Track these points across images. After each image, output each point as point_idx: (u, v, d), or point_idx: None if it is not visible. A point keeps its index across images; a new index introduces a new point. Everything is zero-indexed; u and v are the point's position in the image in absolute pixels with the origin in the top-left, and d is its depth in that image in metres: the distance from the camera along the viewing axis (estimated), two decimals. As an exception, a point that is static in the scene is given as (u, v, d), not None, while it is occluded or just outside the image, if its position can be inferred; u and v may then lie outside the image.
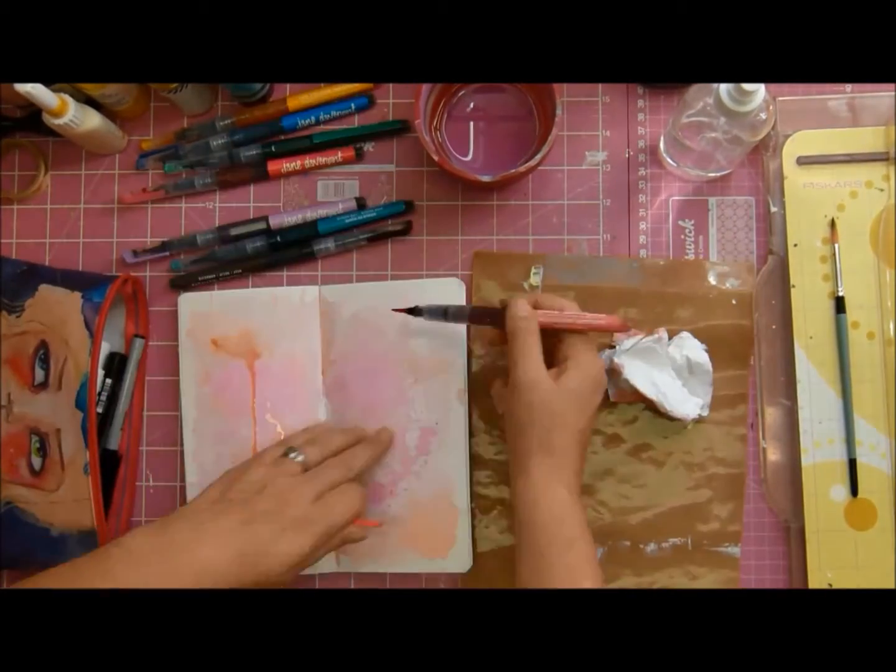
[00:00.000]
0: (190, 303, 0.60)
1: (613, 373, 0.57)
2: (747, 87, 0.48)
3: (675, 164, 0.59)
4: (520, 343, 0.51)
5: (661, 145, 0.60)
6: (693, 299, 0.60)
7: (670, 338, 0.58)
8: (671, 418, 0.57)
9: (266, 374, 0.60)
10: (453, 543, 0.58)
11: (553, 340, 0.53)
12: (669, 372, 0.57)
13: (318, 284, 0.61)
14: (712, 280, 0.60)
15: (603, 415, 0.59)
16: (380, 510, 0.59)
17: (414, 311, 0.56)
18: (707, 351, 0.58)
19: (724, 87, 0.49)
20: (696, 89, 0.52)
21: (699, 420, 0.59)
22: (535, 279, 0.60)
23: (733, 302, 0.59)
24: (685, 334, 0.58)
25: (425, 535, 0.58)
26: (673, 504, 0.59)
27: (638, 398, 0.58)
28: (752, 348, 0.59)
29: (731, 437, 0.59)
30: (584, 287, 0.60)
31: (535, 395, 0.50)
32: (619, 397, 0.59)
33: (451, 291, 0.59)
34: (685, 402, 0.57)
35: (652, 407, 0.58)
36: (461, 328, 0.59)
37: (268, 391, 0.60)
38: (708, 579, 0.58)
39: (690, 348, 0.58)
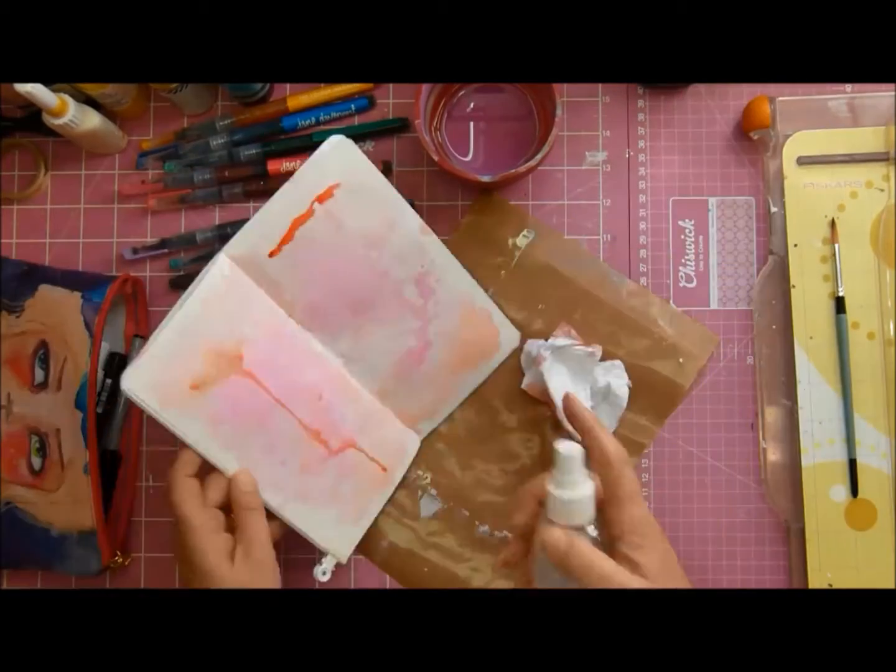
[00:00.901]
0: (141, 385, 0.49)
1: (535, 362, 0.58)
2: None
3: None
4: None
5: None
6: (648, 337, 0.60)
7: (603, 359, 0.58)
8: (563, 434, 0.56)
9: (259, 362, 0.53)
10: (498, 335, 0.59)
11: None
12: (585, 389, 0.57)
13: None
14: (671, 330, 0.60)
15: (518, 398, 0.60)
16: (424, 368, 0.58)
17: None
18: (630, 388, 0.58)
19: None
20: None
21: None
22: (522, 241, 0.60)
23: (680, 360, 0.59)
24: (618, 363, 0.58)
25: (472, 351, 0.59)
26: None
27: (544, 399, 0.58)
28: (673, 409, 0.60)
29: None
30: (558, 272, 0.60)
31: None
32: (530, 389, 0.59)
33: (341, 156, 0.52)
34: None
35: (553, 416, 0.58)
36: (387, 189, 0.54)
37: (271, 374, 0.54)
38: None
39: (616, 377, 0.58)
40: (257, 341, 0.53)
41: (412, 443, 0.60)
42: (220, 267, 0.52)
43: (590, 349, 0.57)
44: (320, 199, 0.52)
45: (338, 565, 0.56)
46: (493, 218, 0.61)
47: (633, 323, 0.60)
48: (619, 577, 0.40)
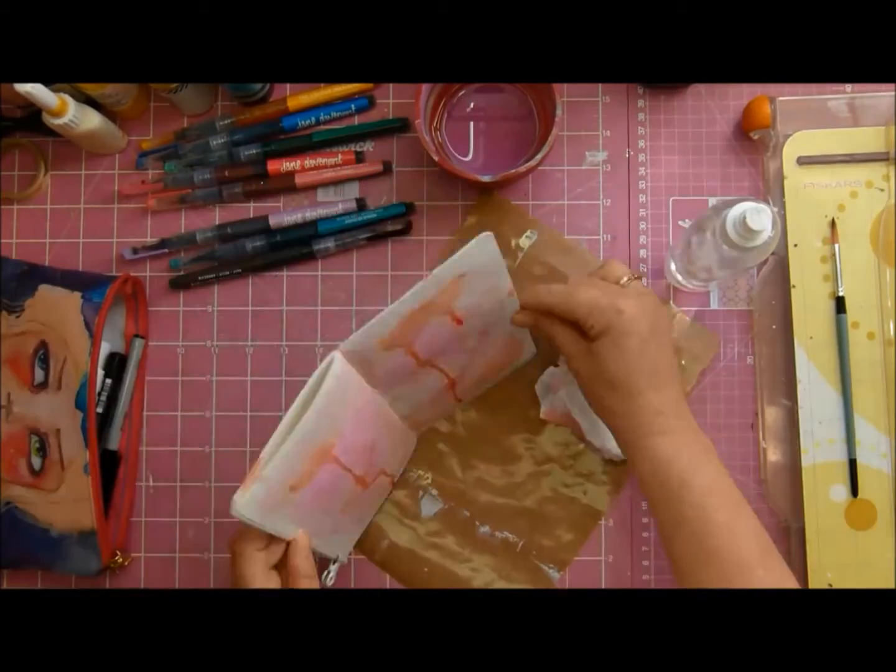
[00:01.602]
0: (250, 506, 0.46)
1: (551, 388, 0.58)
2: (754, 225, 0.46)
3: (682, 282, 0.59)
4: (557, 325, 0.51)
5: (670, 265, 0.59)
6: None
7: None
8: (592, 449, 0.58)
9: (347, 448, 0.51)
10: (520, 355, 0.59)
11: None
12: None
13: (318, 286, 0.60)
14: (674, 333, 0.60)
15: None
16: (454, 391, 0.58)
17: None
18: None
19: (730, 222, 0.47)
20: (707, 216, 0.51)
21: (614, 461, 0.59)
22: (525, 242, 0.60)
23: (682, 363, 0.59)
24: None
25: (500, 364, 0.59)
26: (527, 504, 0.59)
27: (566, 422, 0.58)
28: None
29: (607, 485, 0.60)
30: (560, 273, 0.60)
31: (579, 371, 0.50)
32: (549, 416, 0.59)
33: (486, 249, 0.50)
34: (612, 439, 0.54)
35: (578, 434, 0.59)
36: (501, 268, 0.52)
37: (354, 461, 0.52)
38: (518, 586, 0.59)
39: None
40: (350, 434, 0.51)
41: (412, 443, 0.60)
42: (336, 369, 0.49)
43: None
44: (444, 290, 0.49)
45: (339, 564, 0.56)
46: (496, 218, 0.61)
47: None
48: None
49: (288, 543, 0.50)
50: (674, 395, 0.49)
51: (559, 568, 0.59)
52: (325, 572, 0.55)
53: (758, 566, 0.45)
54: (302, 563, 0.50)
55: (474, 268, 0.50)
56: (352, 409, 0.51)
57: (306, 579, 0.50)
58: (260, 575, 0.49)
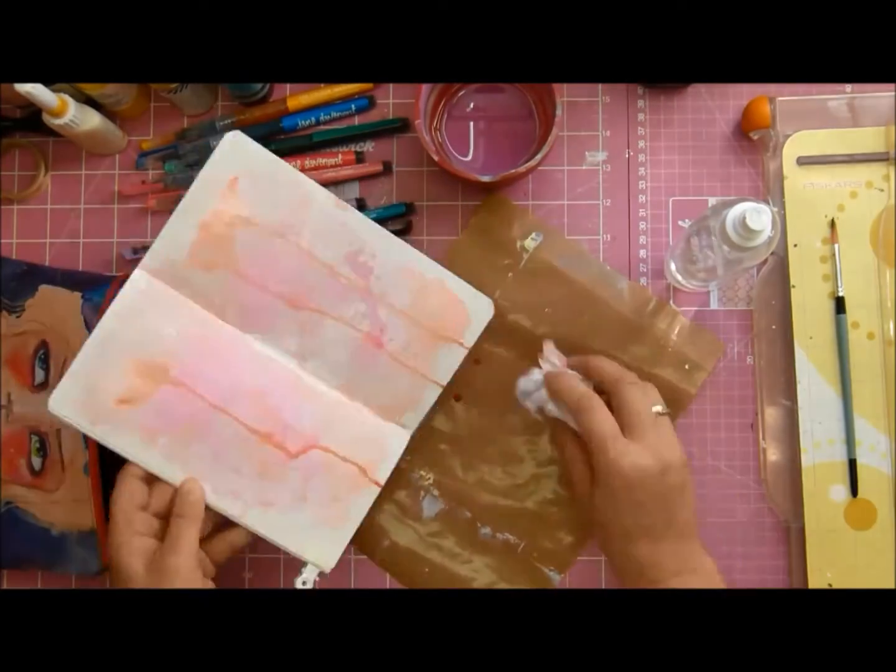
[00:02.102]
0: (64, 402, 0.51)
1: (533, 400, 0.56)
2: (754, 225, 0.46)
3: (682, 282, 0.59)
4: (587, 417, 0.50)
5: (670, 265, 0.59)
6: (653, 342, 0.59)
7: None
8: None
9: (190, 372, 0.53)
10: (464, 306, 0.56)
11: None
12: None
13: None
14: (678, 337, 0.60)
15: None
16: (387, 352, 0.55)
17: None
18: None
19: (730, 224, 0.47)
20: (707, 216, 0.51)
21: None
22: (530, 244, 0.60)
23: (686, 367, 0.59)
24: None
25: (439, 325, 0.56)
26: (528, 506, 0.59)
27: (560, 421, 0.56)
28: (681, 414, 0.59)
29: None
30: (565, 275, 0.60)
31: (585, 513, 0.51)
32: (541, 415, 0.57)
33: (245, 148, 0.53)
34: None
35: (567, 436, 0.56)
36: (290, 173, 0.53)
37: (207, 382, 0.53)
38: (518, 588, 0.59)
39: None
40: (187, 350, 0.53)
41: (397, 438, 0.57)
42: (135, 282, 0.52)
43: (571, 372, 0.55)
44: (224, 197, 0.52)
45: (321, 575, 0.54)
46: (501, 219, 0.61)
47: (638, 328, 0.59)
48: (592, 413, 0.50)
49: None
50: (672, 544, 0.49)
51: (560, 570, 0.59)
52: (298, 576, 0.53)
53: None
54: (178, 504, 0.50)
55: (246, 168, 0.52)
56: (180, 329, 0.53)
57: (177, 518, 0.49)
58: (124, 501, 0.50)
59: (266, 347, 0.55)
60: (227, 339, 0.54)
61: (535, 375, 0.56)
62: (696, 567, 0.49)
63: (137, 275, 0.52)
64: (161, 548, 0.49)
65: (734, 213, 0.47)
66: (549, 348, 0.56)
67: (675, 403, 0.59)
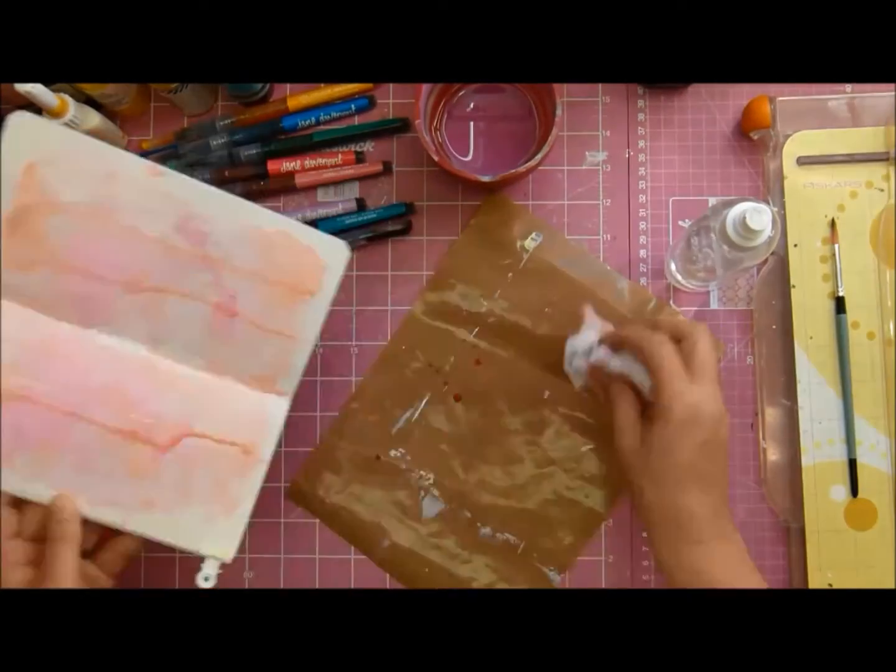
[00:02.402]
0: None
1: (595, 366, 0.54)
2: (754, 225, 0.46)
3: (682, 282, 0.59)
4: (614, 409, 0.51)
5: (670, 265, 0.59)
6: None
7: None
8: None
9: (32, 380, 0.50)
10: (322, 267, 0.53)
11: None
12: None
13: None
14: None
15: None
16: (244, 320, 0.52)
17: None
18: None
19: (730, 224, 0.47)
20: (707, 216, 0.51)
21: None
22: (530, 244, 0.60)
23: None
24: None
25: (296, 279, 0.52)
26: (528, 506, 0.59)
27: (606, 391, 0.54)
28: None
29: (611, 480, 0.59)
30: (565, 275, 0.60)
31: (627, 461, 0.49)
32: (594, 375, 0.55)
33: (40, 134, 0.50)
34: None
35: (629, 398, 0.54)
36: (90, 144, 0.51)
37: (51, 387, 0.50)
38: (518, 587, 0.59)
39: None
40: (24, 360, 0.50)
41: (276, 407, 0.53)
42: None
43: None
44: (24, 187, 0.49)
45: (224, 566, 0.52)
46: (501, 219, 0.61)
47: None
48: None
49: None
50: (717, 500, 0.49)
51: (560, 570, 0.59)
52: (198, 572, 0.51)
53: None
54: (51, 527, 0.47)
55: (43, 149, 0.49)
56: (7, 337, 0.49)
57: (53, 542, 0.46)
58: None
59: (112, 339, 0.51)
60: (67, 339, 0.51)
61: (585, 335, 0.55)
62: (732, 537, 0.49)
63: None
64: (37, 577, 0.46)
65: (734, 213, 0.47)
66: (590, 312, 0.56)
67: None
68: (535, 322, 0.60)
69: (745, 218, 0.46)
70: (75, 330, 0.51)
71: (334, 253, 0.53)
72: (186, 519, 0.51)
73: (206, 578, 0.51)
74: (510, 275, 0.60)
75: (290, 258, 0.52)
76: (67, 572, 0.46)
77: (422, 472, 0.60)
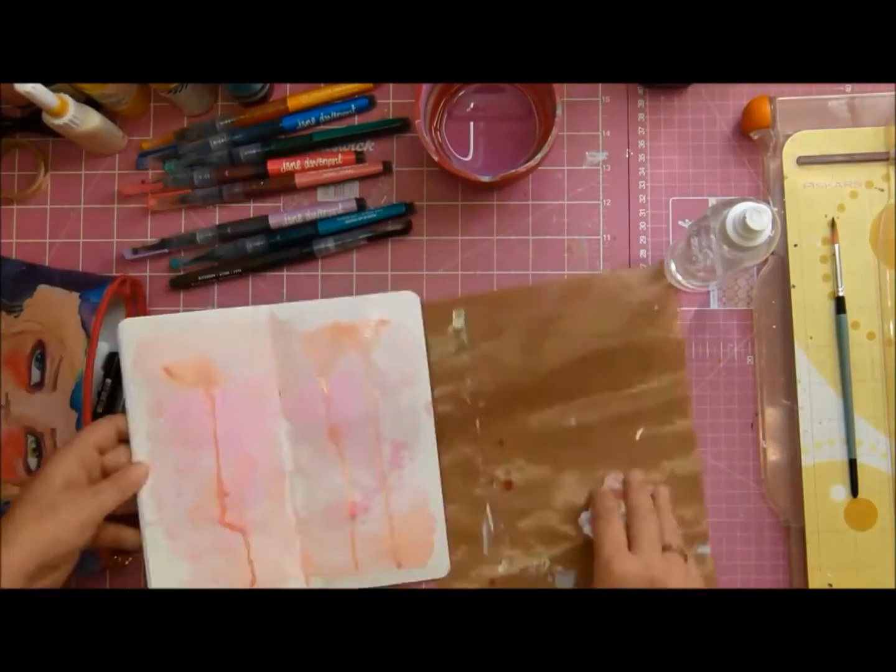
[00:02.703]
0: (132, 330, 0.56)
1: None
2: (754, 225, 0.46)
3: (682, 282, 0.59)
4: (601, 525, 0.54)
5: (670, 265, 0.59)
6: (616, 315, 0.60)
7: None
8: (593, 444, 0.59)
9: (225, 400, 0.57)
10: (431, 552, 0.58)
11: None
12: None
13: (318, 287, 0.61)
14: (633, 294, 0.60)
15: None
16: (351, 527, 0.58)
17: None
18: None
19: (730, 224, 0.48)
20: (707, 216, 0.51)
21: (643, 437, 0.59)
22: (457, 322, 0.60)
23: (655, 308, 0.59)
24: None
25: (404, 547, 0.58)
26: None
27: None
28: (683, 355, 0.60)
29: (681, 441, 0.59)
30: (509, 320, 0.60)
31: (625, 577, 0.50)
32: None
33: (405, 305, 0.58)
34: None
35: None
36: (421, 354, 0.58)
37: (229, 418, 0.57)
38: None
39: None
40: (238, 385, 0.57)
41: (293, 583, 0.58)
42: (259, 310, 0.57)
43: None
44: (368, 324, 0.58)
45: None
46: (427, 315, 0.60)
47: (597, 314, 0.60)
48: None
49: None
50: None
51: (703, 541, 0.59)
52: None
53: None
54: (121, 474, 0.53)
55: (397, 321, 0.58)
56: (251, 369, 0.57)
57: (116, 488, 0.52)
58: (73, 458, 0.51)
59: (286, 441, 0.58)
60: (269, 408, 0.57)
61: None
62: None
63: (265, 309, 0.58)
64: (86, 487, 0.51)
65: (734, 213, 0.47)
66: (611, 478, 0.59)
67: (671, 350, 0.59)
68: (509, 375, 0.60)
69: (745, 218, 0.46)
70: (280, 412, 0.58)
71: (438, 566, 0.59)
72: (176, 569, 0.56)
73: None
74: (465, 356, 0.60)
75: (416, 535, 0.59)
76: (102, 505, 0.51)
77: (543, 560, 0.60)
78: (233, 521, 0.57)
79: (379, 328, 0.58)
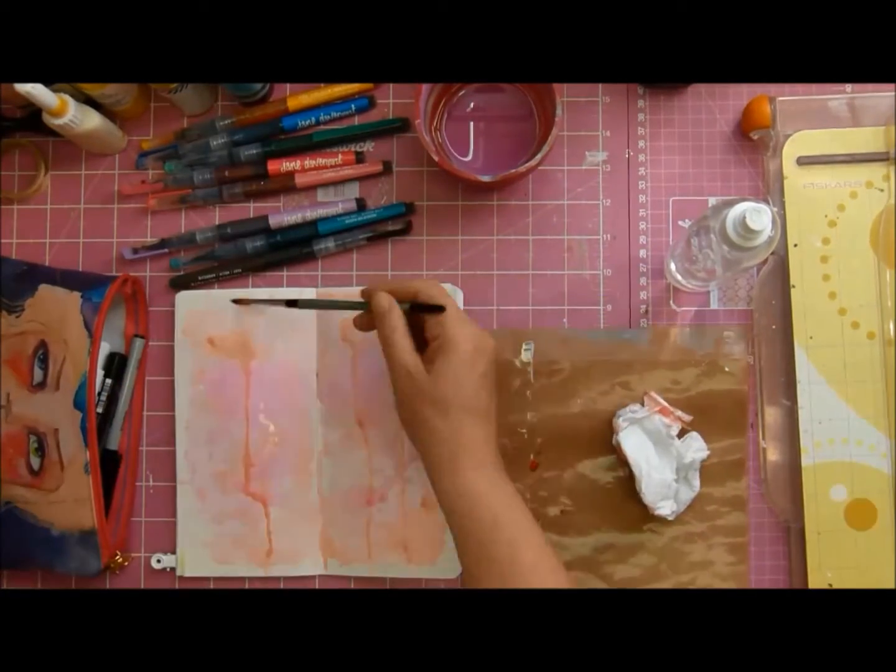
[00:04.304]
0: (187, 301, 0.61)
1: (614, 430, 0.58)
2: (754, 225, 0.46)
3: (682, 282, 0.59)
4: (386, 331, 0.51)
5: (670, 265, 0.59)
6: (685, 366, 0.59)
7: (680, 434, 0.58)
8: (638, 500, 0.57)
9: (261, 375, 0.60)
10: (441, 551, 0.58)
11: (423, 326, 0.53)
12: (671, 462, 0.56)
13: (317, 286, 0.61)
14: (705, 347, 0.60)
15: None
16: (368, 514, 0.59)
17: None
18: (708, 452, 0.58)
19: (730, 221, 0.47)
20: (707, 216, 0.51)
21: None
22: (526, 356, 0.60)
23: (727, 369, 0.59)
24: (694, 434, 0.58)
25: (413, 541, 0.59)
26: (678, 580, 0.59)
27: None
28: (746, 414, 0.59)
29: (733, 506, 0.59)
30: (576, 361, 0.60)
31: (413, 387, 0.50)
32: (618, 451, 0.58)
33: None
34: (665, 497, 0.56)
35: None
36: None
37: (262, 392, 0.60)
38: None
39: (697, 450, 0.57)
40: (276, 361, 0.60)
41: (312, 565, 0.59)
42: (305, 292, 0.60)
43: (667, 420, 0.57)
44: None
45: (171, 569, 0.60)
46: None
47: (668, 363, 0.59)
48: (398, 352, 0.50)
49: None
50: (491, 431, 0.51)
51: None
52: (161, 554, 0.60)
53: None
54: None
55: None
56: (294, 346, 0.60)
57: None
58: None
59: (318, 420, 0.60)
60: (304, 385, 0.60)
61: (628, 411, 0.58)
62: (502, 469, 0.50)
63: (310, 291, 0.60)
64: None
65: (734, 213, 0.47)
66: (651, 398, 0.59)
67: (736, 408, 0.59)
68: (567, 408, 0.59)
69: (744, 218, 0.46)
70: (314, 392, 0.60)
71: (447, 569, 0.59)
72: (198, 528, 0.60)
73: (158, 561, 0.60)
74: (528, 392, 0.60)
75: (426, 532, 0.59)
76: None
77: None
78: (255, 490, 0.59)
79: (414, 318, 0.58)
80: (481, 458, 0.49)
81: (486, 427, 0.50)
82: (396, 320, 0.51)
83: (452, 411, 0.49)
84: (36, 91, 0.53)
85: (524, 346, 0.60)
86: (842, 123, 0.60)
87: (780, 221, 0.59)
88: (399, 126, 0.62)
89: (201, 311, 0.60)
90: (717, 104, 0.62)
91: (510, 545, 0.46)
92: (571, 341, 0.60)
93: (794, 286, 0.59)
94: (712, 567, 0.58)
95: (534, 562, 0.46)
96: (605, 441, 0.59)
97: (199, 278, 0.61)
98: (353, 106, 0.62)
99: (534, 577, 0.46)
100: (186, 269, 0.62)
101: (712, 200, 0.61)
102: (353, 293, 0.60)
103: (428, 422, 0.50)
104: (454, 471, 0.49)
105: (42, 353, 0.58)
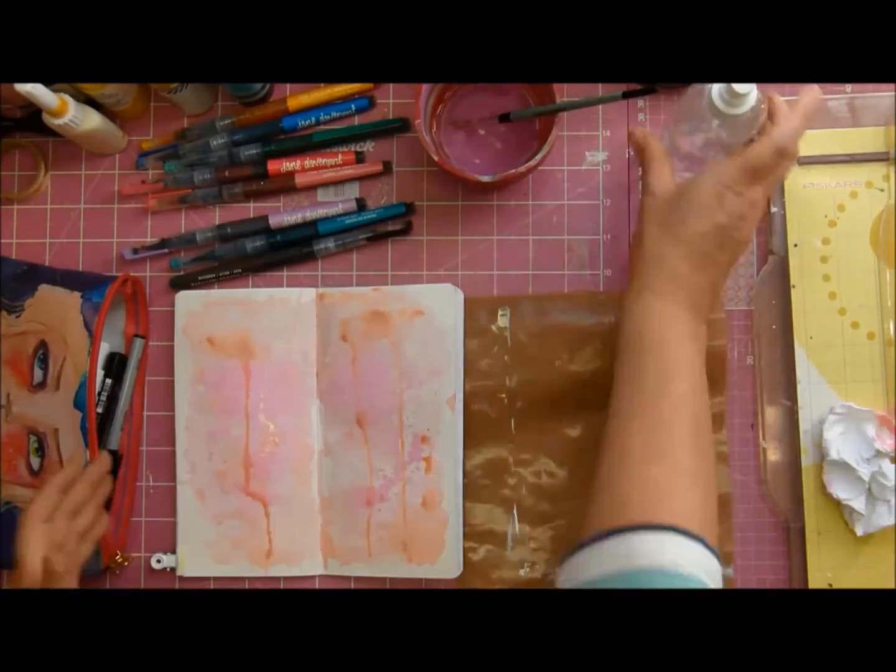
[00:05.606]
0: (187, 301, 0.61)
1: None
2: (739, 88, 0.47)
3: None
4: (648, 154, 0.53)
5: None
6: None
7: None
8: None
9: (261, 374, 0.60)
10: (442, 550, 0.58)
11: None
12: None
13: (317, 287, 0.61)
14: None
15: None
16: (368, 514, 0.59)
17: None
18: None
19: (716, 90, 0.49)
20: (690, 93, 0.51)
21: None
22: (502, 320, 0.60)
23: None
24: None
25: (413, 541, 0.58)
26: None
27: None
28: (725, 371, 0.59)
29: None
30: (554, 328, 0.59)
31: (652, 206, 0.52)
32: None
33: (443, 297, 0.58)
34: None
35: None
36: (453, 340, 0.58)
37: (262, 391, 0.60)
38: None
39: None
40: (275, 361, 0.60)
41: (312, 565, 0.60)
42: (305, 291, 0.60)
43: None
44: (404, 313, 0.59)
45: (171, 569, 0.60)
46: (467, 312, 0.60)
47: None
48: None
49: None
50: (711, 283, 0.51)
51: (728, 563, 0.59)
52: (160, 554, 0.60)
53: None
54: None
55: (431, 311, 0.58)
56: (294, 343, 0.60)
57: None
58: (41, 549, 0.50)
59: (317, 420, 0.60)
60: (302, 384, 0.60)
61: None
62: (700, 324, 0.51)
63: (311, 291, 0.60)
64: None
65: (718, 84, 0.49)
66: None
67: (714, 365, 0.58)
68: (557, 376, 0.59)
69: (730, 84, 0.48)
70: (313, 390, 0.60)
71: (449, 568, 0.58)
72: (199, 525, 0.60)
73: (158, 561, 0.60)
74: (506, 358, 0.60)
75: (427, 531, 0.59)
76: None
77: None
78: (255, 490, 0.60)
79: (413, 318, 0.58)
80: (673, 288, 0.50)
81: (703, 272, 0.50)
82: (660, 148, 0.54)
83: (684, 239, 0.50)
84: (36, 91, 0.53)
85: (500, 312, 0.60)
86: (842, 123, 0.60)
87: (780, 221, 0.59)
88: (399, 126, 0.62)
89: (201, 311, 0.60)
90: (717, 104, 0.62)
91: (675, 407, 0.47)
92: (542, 304, 0.60)
93: (794, 286, 0.59)
94: None
95: (688, 437, 0.47)
96: (584, 402, 0.59)
97: (199, 278, 0.61)
98: (353, 106, 0.62)
99: (683, 450, 0.46)
100: (186, 269, 0.62)
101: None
102: (353, 293, 0.60)
103: (656, 237, 0.51)
104: (640, 290, 0.51)
105: (42, 353, 0.58)
